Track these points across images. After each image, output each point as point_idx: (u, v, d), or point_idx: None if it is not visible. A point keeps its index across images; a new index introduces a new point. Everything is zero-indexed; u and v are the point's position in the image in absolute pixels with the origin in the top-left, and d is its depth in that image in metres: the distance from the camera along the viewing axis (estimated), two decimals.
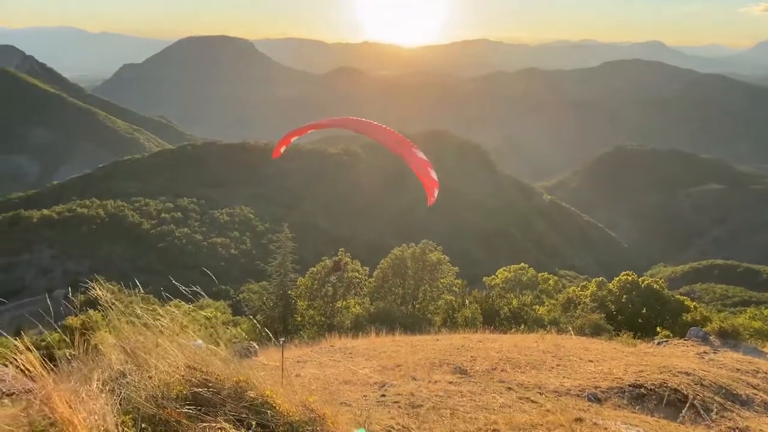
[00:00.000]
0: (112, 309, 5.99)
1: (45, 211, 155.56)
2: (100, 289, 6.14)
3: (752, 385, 12.39)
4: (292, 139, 13.98)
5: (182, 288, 6.57)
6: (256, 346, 13.81)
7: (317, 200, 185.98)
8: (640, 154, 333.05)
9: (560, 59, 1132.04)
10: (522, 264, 43.85)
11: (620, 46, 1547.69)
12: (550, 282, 43.04)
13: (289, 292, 29.33)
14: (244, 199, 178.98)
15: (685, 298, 37.25)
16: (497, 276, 41.85)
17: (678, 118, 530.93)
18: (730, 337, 17.34)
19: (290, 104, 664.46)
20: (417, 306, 31.99)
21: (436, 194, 13.44)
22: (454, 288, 34.86)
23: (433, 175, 13.16)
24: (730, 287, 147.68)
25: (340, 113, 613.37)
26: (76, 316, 18.73)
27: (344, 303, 31.05)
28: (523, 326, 26.36)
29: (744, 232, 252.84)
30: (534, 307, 31.50)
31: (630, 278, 34.24)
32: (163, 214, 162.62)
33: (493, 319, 28.31)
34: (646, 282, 33.97)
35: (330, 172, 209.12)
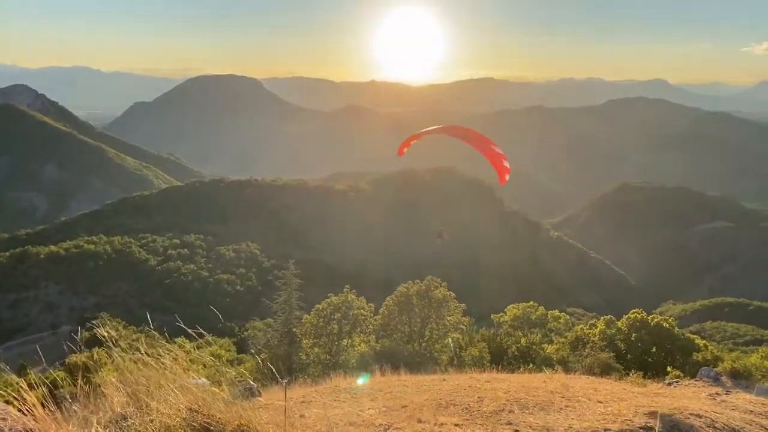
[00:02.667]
0: (116, 347, 5.96)
1: (52, 248, 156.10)
2: (104, 327, 6.12)
3: (766, 428, 12.10)
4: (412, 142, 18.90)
5: (186, 328, 6.53)
6: (259, 386, 13.66)
7: (324, 236, 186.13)
8: (647, 191, 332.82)
9: (566, 97, 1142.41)
10: (531, 302, 43.43)
11: (625, 84, 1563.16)
12: (561, 320, 42.53)
13: (294, 329, 29.10)
14: (250, 235, 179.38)
15: (695, 336, 36.67)
16: (506, 313, 41.41)
17: (683, 155, 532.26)
18: (742, 378, 17.01)
19: (298, 141, 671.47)
20: (423, 344, 31.62)
21: (506, 171, 18.06)
22: (461, 326, 34.48)
23: (499, 151, 17.50)
24: (741, 325, 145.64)
25: (348, 150, 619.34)
26: (80, 353, 18.62)
27: (349, 341, 30.75)
28: (531, 365, 25.98)
29: (754, 270, 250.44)
30: (543, 345, 31.08)
31: (639, 316, 33.78)
32: (169, 251, 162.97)
33: (501, 358, 27.93)
34: (655, 320, 33.50)
35: (336, 208, 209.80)
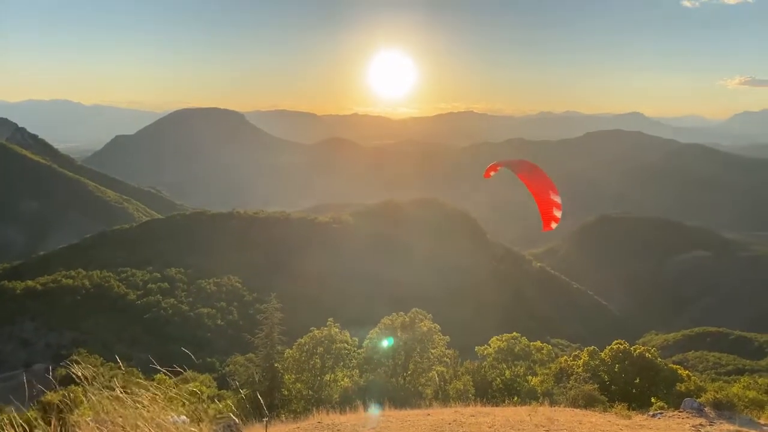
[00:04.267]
0: (92, 385, 5.80)
1: (29, 282, 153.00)
2: (80, 364, 5.97)
3: None
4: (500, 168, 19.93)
5: (160, 367, 6.39)
6: (240, 423, 13.37)
7: (306, 269, 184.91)
8: (626, 222, 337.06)
9: (545, 130, 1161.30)
10: (515, 333, 43.31)
11: (602, 117, 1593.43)
12: (544, 351, 42.41)
13: (276, 364, 28.63)
14: (232, 268, 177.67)
15: (678, 367, 36.72)
16: (490, 345, 41.20)
17: (660, 186, 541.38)
18: (725, 408, 17.03)
19: (281, 173, 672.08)
20: (407, 378, 31.26)
21: (554, 220, 18.70)
22: (445, 359, 34.20)
23: (555, 198, 18.48)
24: (723, 355, 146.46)
25: (332, 182, 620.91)
26: (55, 392, 18.12)
27: (332, 376, 30.30)
28: (516, 398, 25.79)
29: (733, 299, 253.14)
30: (527, 377, 30.90)
31: (622, 347, 33.82)
32: (149, 285, 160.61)
33: (486, 391, 27.70)
34: (638, 351, 33.55)
35: (319, 240, 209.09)
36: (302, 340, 31.49)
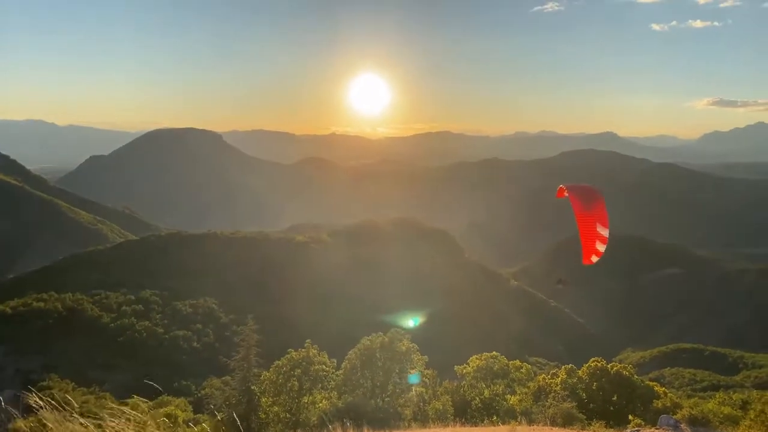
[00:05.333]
0: (63, 411, 5.68)
1: None
2: (51, 390, 5.86)
3: None
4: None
5: (135, 391, 6.33)
6: None
7: (284, 289, 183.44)
8: None
9: (520, 149, 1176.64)
10: (494, 352, 43.42)
11: (576, 136, 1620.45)
12: (523, 370, 42.54)
13: (253, 387, 28.27)
14: (208, 289, 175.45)
15: (654, 384, 37.12)
16: (468, 365, 41.24)
17: (633, 205, 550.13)
18: (700, 425, 17.25)
19: (258, 193, 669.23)
20: (386, 399, 31.05)
21: (595, 254, 19.17)
22: (424, 379, 34.10)
23: (601, 232, 18.97)
24: (698, 371, 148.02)
25: (310, 202, 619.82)
26: (23, 419, 17.64)
27: (310, 398, 29.98)
28: (495, 417, 25.78)
29: (707, 315, 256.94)
30: (505, 396, 30.95)
31: (599, 365, 34.13)
32: (123, 307, 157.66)
33: (465, 411, 27.65)
34: (615, 368, 33.88)
35: (297, 260, 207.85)
36: (279, 362, 31.18)
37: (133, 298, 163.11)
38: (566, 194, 19.58)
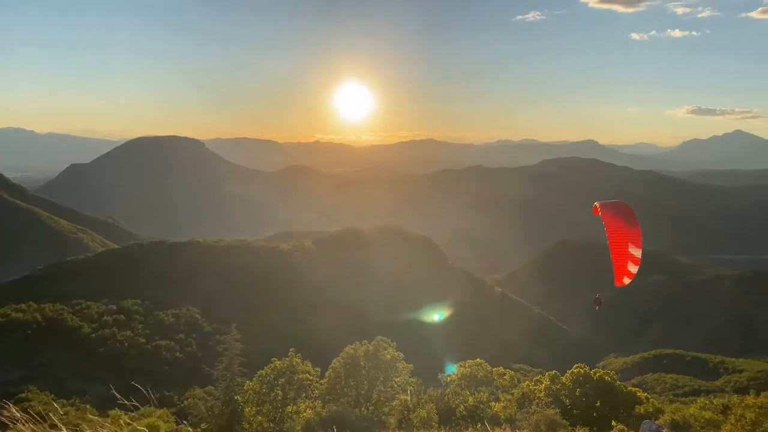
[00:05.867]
0: (43, 423, 5.62)
1: None
2: (31, 402, 5.80)
3: None
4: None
5: (116, 402, 6.28)
6: None
7: (267, 298, 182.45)
8: (585, 247, 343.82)
9: (503, 157, 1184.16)
10: (478, 359, 43.53)
11: (558, 144, 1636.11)
12: (506, 377, 42.67)
13: (236, 397, 28.01)
14: (191, 298, 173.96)
15: (637, 389, 37.41)
16: (453, 372, 41.30)
17: None
18: (681, 429, 17.44)
19: (242, 201, 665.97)
20: (371, 408, 30.95)
21: (627, 275, 18.23)
22: (408, 387, 34.04)
23: (633, 252, 18.29)
24: (680, 377, 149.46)
25: (294, 210, 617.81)
26: None
27: (294, 407, 29.77)
28: (479, 425, 25.80)
29: (688, 321, 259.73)
30: (490, 404, 30.99)
31: (582, 371, 34.34)
32: (105, 317, 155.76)
33: (449, 419, 27.65)
34: (598, 374, 34.12)
35: (281, 268, 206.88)
36: (263, 372, 30.93)
37: (114, 307, 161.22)
38: (599, 212, 19.29)
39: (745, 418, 23.51)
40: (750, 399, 24.63)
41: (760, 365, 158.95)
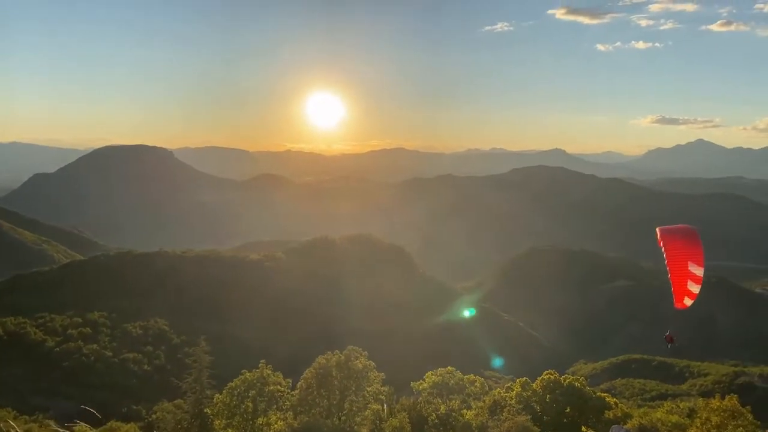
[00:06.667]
0: None
1: None
2: None
3: None
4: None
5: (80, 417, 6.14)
6: None
7: (238, 309, 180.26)
8: (553, 255, 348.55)
9: (473, 166, 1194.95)
10: (449, 367, 43.65)
11: (527, 153, 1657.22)
12: (477, 384, 42.88)
13: (206, 410, 27.60)
14: (159, 310, 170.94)
15: (606, 395, 37.94)
16: (425, 380, 41.35)
17: (582, 219, 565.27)
18: None
19: (211, 211, 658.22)
20: (343, 418, 30.77)
21: (688, 295, 18.04)
22: (380, 396, 33.94)
23: (693, 270, 17.57)
24: (647, 381, 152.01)
25: (264, 219, 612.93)
26: None
27: (265, 419, 29.45)
28: None
29: (654, 326, 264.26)
30: (462, 411, 31.08)
31: (552, 377, 34.72)
32: (69, 330, 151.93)
33: (422, 427, 27.64)
34: (568, 380, 34.53)
35: (251, 278, 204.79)
36: (233, 384, 30.56)
37: (80, 320, 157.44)
38: (659, 235, 18.84)
39: (711, 422, 24.02)
40: (715, 402, 25.18)
41: (724, 369, 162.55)
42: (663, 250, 17.46)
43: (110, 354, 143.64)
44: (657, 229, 18.91)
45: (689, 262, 17.59)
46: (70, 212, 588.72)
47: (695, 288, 17.41)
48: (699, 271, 17.55)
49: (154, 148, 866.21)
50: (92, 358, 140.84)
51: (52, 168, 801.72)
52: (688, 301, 16.38)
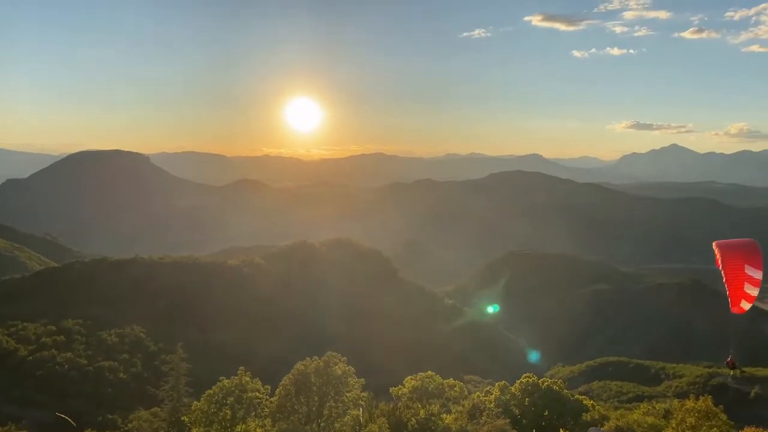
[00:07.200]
0: None
1: None
2: None
3: None
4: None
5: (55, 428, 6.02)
6: None
7: (215, 315, 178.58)
8: (531, 259, 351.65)
9: (451, 171, 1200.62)
10: (429, 372, 43.70)
11: (504, 158, 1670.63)
12: (456, 388, 42.98)
13: (183, 418, 27.28)
14: (135, 317, 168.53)
15: (584, 397, 38.32)
16: (404, 385, 41.32)
17: (559, 223, 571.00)
18: None
19: (188, 217, 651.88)
20: (322, 425, 30.63)
21: (745, 297, 17.40)
22: (360, 401, 33.86)
23: (750, 273, 17.57)
24: (624, 383, 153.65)
25: (242, 224, 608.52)
26: None
27: (244, 426, 29.19)
28: None
29: (631, 328, 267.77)
30: (441, 416, 31.12)
31: (531, 380, 34.96)
32: (43, 338, 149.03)
33: None
34: (546, 383, 34.80)
35: (229, 284, 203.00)
36: (211, 391, 30.26)
37: (54, 328, 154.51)
38: (715, 248, 18.80)
39: (686, 422, 24.39)
40: (690, 403, 25.57)
41: (699, 370, 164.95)
42: (718, 257, 17.59)
43: (85, 362, 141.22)
44: (714, 244, 19.33)
45: (746, 265, 17.24)
46: (44, 219, 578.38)
47: (753, 291, 17.22)
48: (757, 274, 17.32)
49: (129, 153, 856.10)
50: (66, 366, 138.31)
51: (25, 173, 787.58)
52: (745, 305, 17.21)
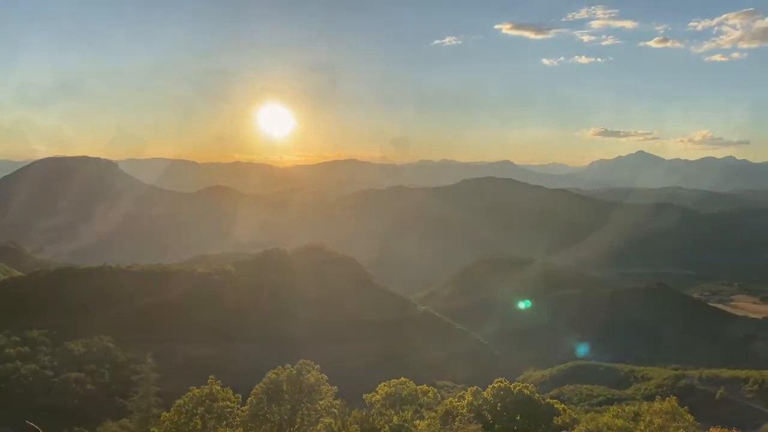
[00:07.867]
0: None
1: None
2: None
3: None
4: None
5: None
6: None
7: (185, 324, 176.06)
8: (502, 264, 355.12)
9: (423, 177, 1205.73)
10: (402, 378, 43.72)
11: (476, 165, 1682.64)
12: (429, 394, 43.07)
13: (153, 429, 26.83)
14: (103, 327, 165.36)
15: (555, 401, 38.74)
16: (378, 392, 41.26)
17: (531, 229, 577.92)
18: None
19: (158, 224, 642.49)
20: None
21: None
22: (333, 409, 33.69)
23: None
24: (594, 387, 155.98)
25: (213, 232, 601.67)
26: None
27: None
28: None
29: (600, 333, 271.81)
30: (414, 422, 31.15)
31: (503, 385, 35.23)
32: (6, 350, 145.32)
33: None
34: (518, 388, 35.10)
35: (199, 293, 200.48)
36: (181, 401, 29.81)
37: (17, 339, 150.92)
38: None
39: (654, 424, 24.89)
40: (657, 405, 26.12)
41: (666, 372, 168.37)
42: None
43: (51, 374, 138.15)
44: None
45: None
46: (8, 227, 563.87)
47: None
48: None
49: (97, 159, 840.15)
50: (31, 378, 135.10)
51: None
52: None
